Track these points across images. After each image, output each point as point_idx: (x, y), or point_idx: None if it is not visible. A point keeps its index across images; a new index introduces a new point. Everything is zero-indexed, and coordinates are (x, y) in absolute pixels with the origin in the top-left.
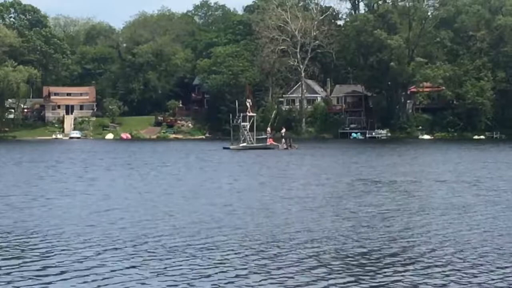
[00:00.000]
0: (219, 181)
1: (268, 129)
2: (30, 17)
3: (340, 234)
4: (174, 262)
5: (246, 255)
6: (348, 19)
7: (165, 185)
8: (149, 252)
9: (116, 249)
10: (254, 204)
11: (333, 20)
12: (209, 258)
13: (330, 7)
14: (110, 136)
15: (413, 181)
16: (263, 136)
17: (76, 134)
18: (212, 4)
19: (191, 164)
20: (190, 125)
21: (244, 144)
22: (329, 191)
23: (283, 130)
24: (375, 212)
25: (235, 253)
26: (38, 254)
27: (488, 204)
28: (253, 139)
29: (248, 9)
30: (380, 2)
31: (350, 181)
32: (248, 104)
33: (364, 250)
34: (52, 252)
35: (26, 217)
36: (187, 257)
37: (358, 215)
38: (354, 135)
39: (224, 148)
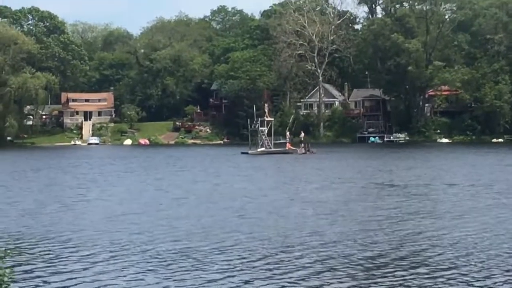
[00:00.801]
0: (236, 186)
1: (287, 133)
2: (48, 23)
3: (350, 238)
4: (180, 267)
5: (256, 259)
6: (365, 23)
7: (181, 190)
8: (161, 256)
9: (126, 254)
10: (268, 208)
11: (350, 25)
12: (218, 262)
13: (347, 11)
14: (128, 142)
15: (426, 184)
16: (282, 141)
17: (94, 140)
18: (230, 9)
19: (209, 169)
20: (208, 130)
21: (263, 149)
22: (343, 196)
23: (302, 135)
24: (386, 216)
25: (244, 257)
26: (48, 259)
27: (499, 207)
28: (271, 144)
29: (265, 14)
30: (397, 6)
31: (365, 185)
32: (266, 109)
33: (372, 254)
34: (68, 257)
35: (39, 222)
36: (198, 261)
37: (368, 219)
38: (372, 139)
39: (242, 153)
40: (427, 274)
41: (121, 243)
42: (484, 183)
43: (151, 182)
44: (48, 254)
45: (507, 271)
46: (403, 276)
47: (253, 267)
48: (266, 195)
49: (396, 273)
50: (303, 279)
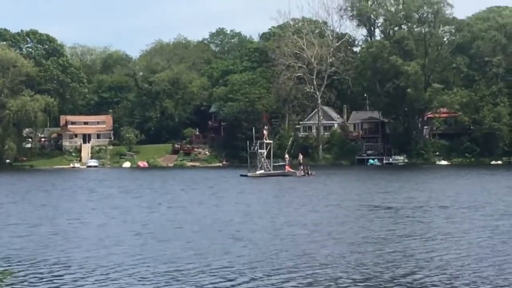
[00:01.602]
0: (231, 208)
1: (286, 156)
2: (46, 46)
3: (339, 260)
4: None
5: (243, 282)
6: (364, 46)
7: (175, 212)
8: (147, 278)
9: (113, 277)
10: (261, 230)
11: (349, 47)
12: (204, 284)
13: (346, 33)
14: (127, 164)
15: (418, 207)
16: (281, 163)
17: (93, 162)
18: (228, 32)
19: (207, 191)
20: (207, 152)
21: (262, 171)
22: (337, 218)
23: (300, 157)
24: (376, 238)
25: (231, 279)
26: (35, 282)
27: (487, 229)
28: (270, 166)
29: (264, 36)
30: (396, 29)
31: (359, 207)
32: (265, 131)
33: (359, 276)
34: (55, 280)
35: (28, 245)
36: (184, 283)
37: (358, 241)
38: (371, 161)
39: (242, 175)
40: None
41: (109, 266)
42: (476, 205)
43: (145, 204)
44: (34, 276)
45: None
46: None
47: None
48: (261, 217)
49: None
50: None
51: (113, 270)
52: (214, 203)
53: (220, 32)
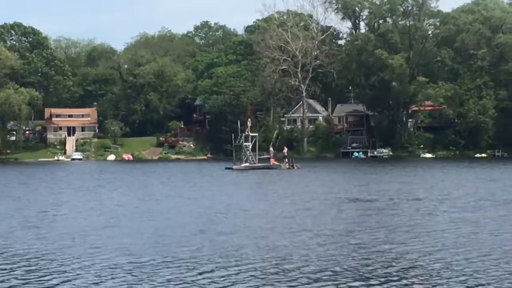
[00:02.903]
0: (209, 202)
1: (271, 148)
2: (31, 39)
3: (302, 251)
4: (125, 280)
5: (199, 273)
6: (349, 39)
7: (153, 206)
8: (111, 269)
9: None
10: (232, 222)
11: (333, 40)
12: (165, 275)
13: (331, 26)
14: (112, 157)
15: (392, 199)
16: (266, 156)
17: (78, 155)
18: (213, 25)
19: (188, 184)
20: (191, 145)
21: (247, 164)
22: (312, 210)
23: (285, 150)
24: (343, 229)
25: (189, 269)
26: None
27: (457, 221)
28: (256, 159)
29: (248, 29)
30: (380, 22)
31: (336, 199)
32: (248, 123)
33: (317, 267)
34: (23, 274)
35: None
36: (145, 274)
37: (326, 233)
38: (355, 154)
39: (227, 168)
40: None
41: (67, 258)
42: (449, 198)
43: (120, 197)
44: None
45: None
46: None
47: (195, 281)
48: (235, 210)
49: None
50: None
51: (70, 262)
52: (191, 195)
53: (205, 25)
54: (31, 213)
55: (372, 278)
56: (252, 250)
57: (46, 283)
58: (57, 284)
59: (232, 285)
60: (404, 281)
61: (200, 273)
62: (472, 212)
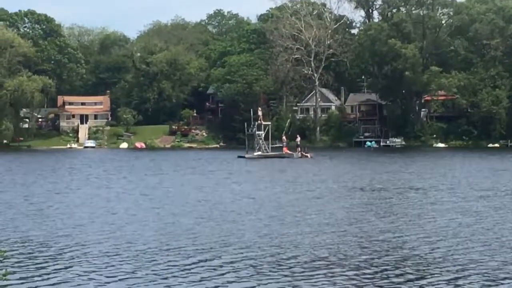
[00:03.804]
0: (217, 190)
1: (283, 137)
2: (44, 26)
3: (299, 240)
4: (121, 270)
5: (197, 261)
6: (362, 28)
7: (160, 194)
8: (109, 258)
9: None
10: (235, 210)
11: (347, 29)
12: (162, 263)
13: (344, 16)
14: (124, 145)
15: (399, 189)
16: (278, 145)
17: (90, 143)
18: (226, 13)
19: (203, 173)
20: (204, 134)
21: (259, 153)
22: (316, 198)
23: (298, 139)
24: (342, 218)
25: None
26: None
27: (456, 211)
28: (268, 148)
29: (262, 18)
30: (394, 11)
31: (345, 188)
32: (259, 112)
33: (314, 256)
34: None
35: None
36: (140, 262)
37: (325, 222)
38: (368, 143)
39: (239, 157)
40: (369, 274)
41: (70, 244)
42: (456, 187)
43: (135, 185)
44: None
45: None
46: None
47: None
48: (240, 198)
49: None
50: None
51: (68, 250)
52: (201, 184)
53: (218, 13)
54: (36, 200)
55: (369, 267)
56: (252, 238)
57: (43, 270)
58: (55, 271)
59: (227, 273)
60: (399, 271)
61: (199, 261)
62: (478, 201)
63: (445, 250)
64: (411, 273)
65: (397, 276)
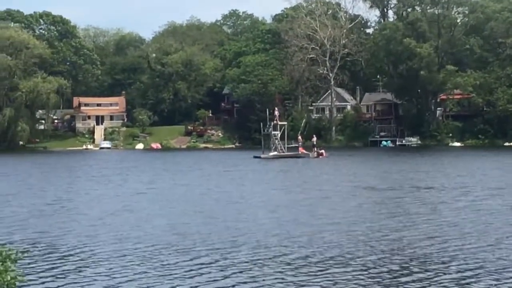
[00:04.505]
0: (228, 190)
1: (299, 137)
2: (59, 28)
3: (306, 239)
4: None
5: (208, 262)
6: (377, 27)
7: (171, 194)
8: (112, 258)
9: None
10: (243, 211)
11: (362, 28)
12: (171, 263)
13: (359, 15)
14: (140, 146)
15: (410, 188)
16: (294, 145)
17: (106, 144)
18: (241, 14)
19: (222, 173)
20: (220, 134)
21: (275, 153)
22: (326, 198)
23: (314, 139)
24: (348, 217)
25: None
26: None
27: (464, 210)
28: (284, 148)
29: (276, 18)
30: (409, 10)
31: (357, 188)
32: (276, 112)
33: (321, 254)
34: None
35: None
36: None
37: (330, 221)
38: (384, 143)
39: (255, 157)
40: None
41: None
42: (464, 187)
43: (149, 184)
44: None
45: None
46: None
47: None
48: (250, 198)
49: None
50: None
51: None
52: (215, 184)
53: (233, 13)
54: (48, 201)
55: (379, 267)
56: (264, 238)
57: (54, 271)
58: (67, 272)
59: (239, 272)
60: (408, 270)
61: (210, 261)
62: (492, 200)
63: (456, 249)
64: (421, 273)
65: (405, 275)
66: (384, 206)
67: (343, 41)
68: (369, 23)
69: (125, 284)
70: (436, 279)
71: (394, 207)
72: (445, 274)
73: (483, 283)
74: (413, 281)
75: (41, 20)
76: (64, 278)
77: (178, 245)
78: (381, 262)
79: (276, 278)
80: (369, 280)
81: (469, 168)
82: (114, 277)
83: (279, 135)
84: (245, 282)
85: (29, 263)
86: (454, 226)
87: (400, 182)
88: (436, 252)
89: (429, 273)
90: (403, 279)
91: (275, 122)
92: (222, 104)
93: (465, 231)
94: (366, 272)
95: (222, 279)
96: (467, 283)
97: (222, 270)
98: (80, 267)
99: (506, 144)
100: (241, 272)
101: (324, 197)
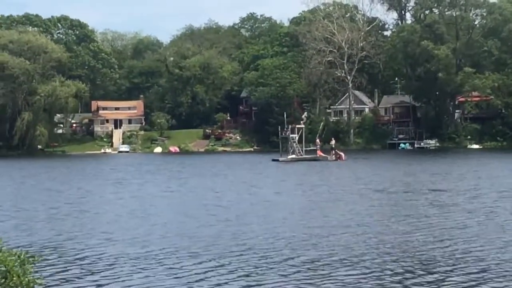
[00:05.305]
0: (243, 193)
1: (317, 140)
2: (77, 32)
3: (315, 240)
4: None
5: (222, 265)
6: (394, 30)
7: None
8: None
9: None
10: (255, 213)
11: (379, 31)
12: (184, 267)
13: (377, 18)
14: (158, 149)
15: (427, 190)
16: (312, 148)
17: (124, 148)
18: (259, 17)
19: (241, 176)
20: (238, 137)
21: (293, 156)
22: (340, 201)
23: (333, 141)
24: (354, 220)
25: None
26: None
27: (472, 214)
28: (302, 151)
29: (294, 21)
30: (426, 12)
31: (369, 191)
32: (303, 115)
33: (322, 255)
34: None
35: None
36: (162, 265)
37: (336, 224)
38: (402, 145)
39: (273, 160)
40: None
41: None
42: (488, 188)
43: (166, 188)
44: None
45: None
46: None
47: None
48: (263, 201)
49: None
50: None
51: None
52: (233, 187)
53: (251, 17)
54: (64, 204)
55: (389, 269)
56: (274, 240)
57: (66, 273)
58: (82, 275)
59: (248, 275)
60: (415, 273)
61: (219, 265)
62: (506, 203)
63: (464, 252)
64: (428, 275)
65: (412, 278)
66: (396, 209)
67: (361, 44)
68: (386, 26)
69: (137, 287)
70: (444, 282)
71: (407, 210)
72: (452, 277)
73: (494, 285)
74: (421, 285)
75: (59, 24)
76: (79, 279)
77: (190, 249)
78: (389, 265)
79: (285, 281)
80: (376, 283)
81: (486, 170)
82: (129, 280)
83: (297, 138)
84: (251, 286)
85: (45, 266)
86: (464, 229)
87: (416, 185)
88: (444, 255)
89: (436, 276)
90: (409, 282)
91: (302, 122)
92: (240, 107)
93: (475, 234)
94: (373, 275)
95: (232, 281)
96: (475, 286)
97: (231, 273)
98: (95, 269)
99: None
100: (247, 275)
101: (338, 199)
